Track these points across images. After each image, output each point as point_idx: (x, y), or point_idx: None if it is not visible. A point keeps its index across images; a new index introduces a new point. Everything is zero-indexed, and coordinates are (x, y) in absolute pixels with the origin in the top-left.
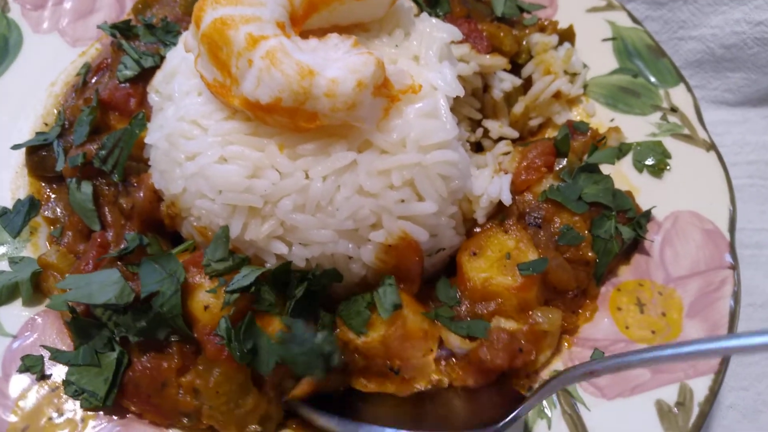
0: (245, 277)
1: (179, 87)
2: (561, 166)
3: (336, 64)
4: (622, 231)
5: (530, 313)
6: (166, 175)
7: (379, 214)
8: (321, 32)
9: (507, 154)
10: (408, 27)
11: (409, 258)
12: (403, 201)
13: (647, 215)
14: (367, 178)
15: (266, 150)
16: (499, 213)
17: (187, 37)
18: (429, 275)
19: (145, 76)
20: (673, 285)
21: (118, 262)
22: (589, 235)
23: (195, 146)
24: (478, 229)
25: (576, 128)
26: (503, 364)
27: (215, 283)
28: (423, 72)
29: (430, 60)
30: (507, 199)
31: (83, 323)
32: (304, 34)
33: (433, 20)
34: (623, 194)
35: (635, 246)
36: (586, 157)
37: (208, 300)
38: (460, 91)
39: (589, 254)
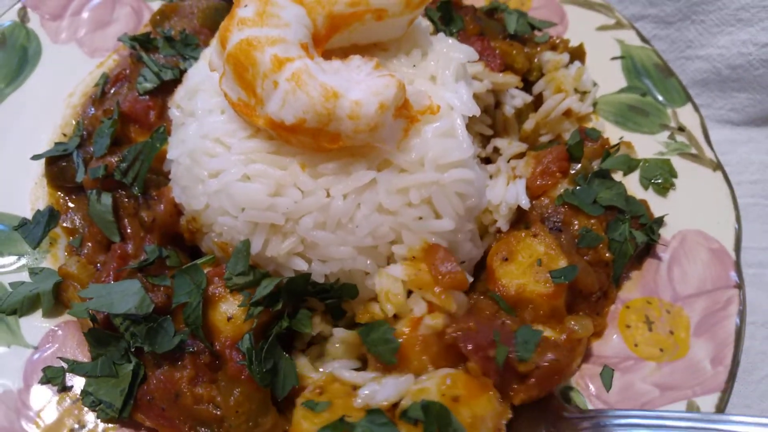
0: (266, 287)
1: (202, 104)
2: (574, 170)
3: (359, 87)
4: (636, 235)
5: (564, 320)
6: (188, 191)
7: (398, 231)
8: (341, 52)
9: (518, 157)
10: (425, 47)
11: (436, 255)
12: (421, 218)
13: (660, 221)
14: (386, 197)
15: (289, 168)
16: (520, 219)
17: (211, 56)
18: None
19: (164, 88)
20: (681, 303)
21: (138, 274)
22: (606, 236)
23: (218, 164)
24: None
25: (587, 135)
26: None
27: (236, 296)
28: (440, 92)
29: (447, 80)
30: (525, 203)
31: (101, 334)
32: (326, 54)
33: (450, 41)
34: (636, 200)
35: (648, 251)
36: (599, 163)
37: (232, 311)
38: (476, 111)
39: (607, 255)
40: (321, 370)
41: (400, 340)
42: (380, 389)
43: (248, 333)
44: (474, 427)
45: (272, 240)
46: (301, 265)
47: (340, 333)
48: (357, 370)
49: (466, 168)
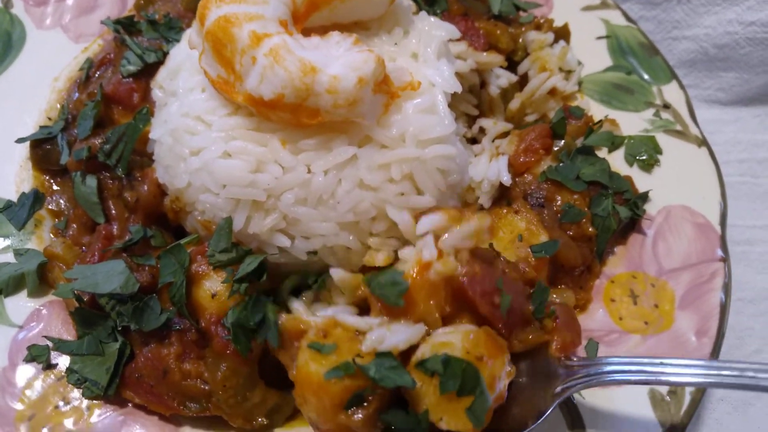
0: (250, 264)
1: (183, 83)
2: (558, 147)
3: (338, 62)
4: (620, 210)
5: None
6: (171, 170)
7: (380, 206)
8: (322, 30)
9: (503, 136)
10: (407, 25)
11: None
12: (402, 194)
13: (644, 197)
14: (367, 172)
15: (269, 145)
16: (502, 196)
17: (191, 34)
18: None
19: (148, 71)
20: (666, 277)
21: (123, 254)
22: (589, 212)
23: (199, 141)
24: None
25: (571, 113)
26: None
27: (220, 273)
28: (421, 69)
29: (429, 57)
30: (507, 179)
31: (87, 313)
32: (306, 32)
33: (432, 19)
34: (620, 176)
35: (633, 226)
36: (582, 140)
37: (215, 288)
38: (457, 88)
39: (590, 230)
40: (319, 314)
41: (408, 282)
42: (389, 335)
43: (232, 309)
44: (491, 387)
45: (254, 217)
46: (284, 242)
47: (338, 274)
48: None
49: (447, 144)
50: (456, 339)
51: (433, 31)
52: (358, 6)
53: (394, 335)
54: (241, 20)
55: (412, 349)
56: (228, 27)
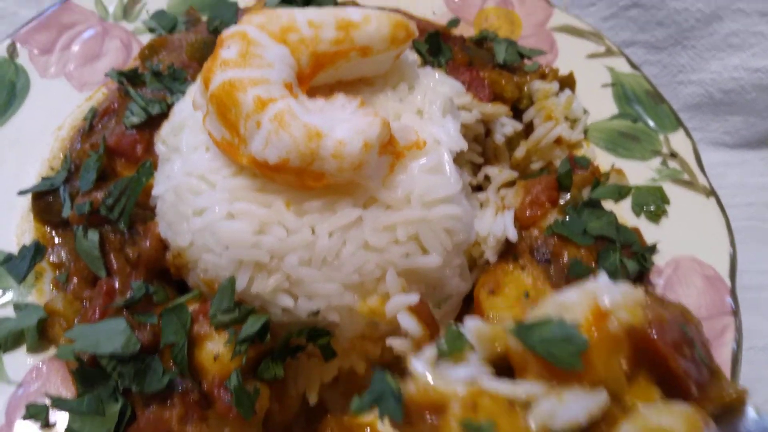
0: (252, 325)
1: (187, 141)
2: (564, 200)
3: (343, 126)
4: (627, 264)
5: None
6: (173, 227)
7: (385, 267)
8: (327, 88)
9: (508, 185)
10: (412, 80)
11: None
12: (408, 255)
13: (652, 249)
14: (372, 234)
15: (273, 206)
16: (508, 251)
17: (195, 95)
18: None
19: (151, 122)
20: None
21: (125, 312)
22: (596, 267)
23: (202, 202)
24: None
25: (577, 162)
26: None
27: (222, 333)
28: (427, 126)
29: (434, 114)
30: (513, 235)
31: (88, 373)
32: (311, 91)
33: (437, 74)
34: (627, 229)
35: (641, 279)
36: (589, 192)
37: (218, 350)
38: (463, 145)
39: None
40: (448, 377)
41: (586, 338)
42: (561, 407)
43: (235, 371)
44: None
45: (257, 277)
46: (288, 302)
47: (474, 324)
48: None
49: (453, 204)
50: (676, 425)
51: (438, 87)
52: (362, 64)
53: (568, 407)
54: (246, 85)
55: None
56: (233, 92)
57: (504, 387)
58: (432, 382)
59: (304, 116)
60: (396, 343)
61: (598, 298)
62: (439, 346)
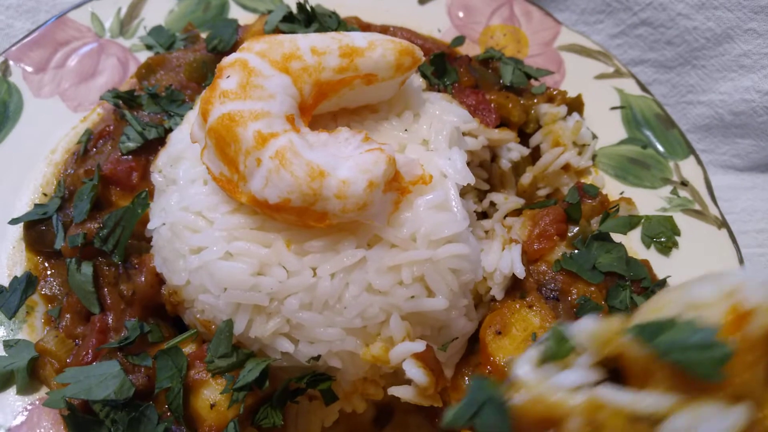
0: (251, 371)
1: (184, 174)
2: (573, 233)
3: (347, 163)
4: (638, 301)
5: None
6: (169, 264)
7: (389, 311)
8: (329, 116)
9: (514, 213)
10: (417, 108)
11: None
12: (413, 297)
13: (662, 284)
14: (376, 276)
15: (273, 246)
16: (515, 286)
17: (193, 128)
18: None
19: (148, 147)
20: None
21: (119, 353)
22: (606, 305)
23: (200, 240)
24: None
25: (585, 191)
26: None
27: (219, 380)
28: (433, 158)
29: (440, 145)
30: (520, 272)
31: (80, 419)
32: (313, 120)
33: (443, 102)
34: (638, 262)
35: None
36: (598, 223)
37: (214, 398)
38: (470, 179)
39: None
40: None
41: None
42: (700, 425)
43: (233, 421)
44: None
45: (256, 320)
46: (287, 347)
47: (590, 324)
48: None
49: (460, 243)
50: None
51: (445, 116)
52: (367, 91)
53: (708, 425)
54: (246, 119)
55: None
56: (232, 126)
57: (628, 398)
58: (542, 390)
59: (306, 153)
60: (400, 392)
61: (740, 295)
62: (545, 348)
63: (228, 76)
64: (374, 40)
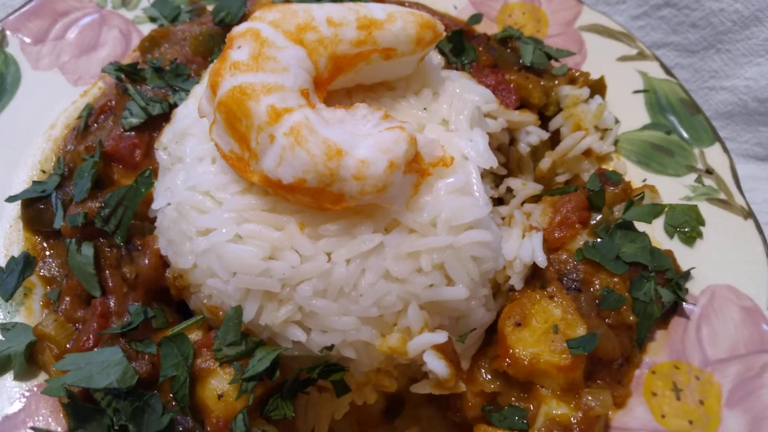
0: (261, 361)
1: (191, 151)
2: (595, 221)
3: (365, 142)
4: (662, 294)
5: (580, 395)
6: (175, 246)
7: (407, 300)
8: (344, 92)
9: (532, 200)
10: (436, 86)
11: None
12: (432, 286)
13: (686, 276)
14: (394, 262)
15: (285, 229)
16: (535, 276)
17: (201, 102)
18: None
19: (152, 123)
20: (711, 369)
21: (121, 339)
22: (629, 297)
23: (208, 221)
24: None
25: (607, 178)
26: None
27: (227, 369)
28: (453, 139)
29: (461, 126)
30: (542, 261)
31: (81, 408)
32: (328, 96)
33: (463, 80)
34: (661, 253)
35: (675, 308)
36: (621, 212)
37: (222, 388)
38: (493, 162)
39: (630, 318)
40: None
41: None
42: None
43: (242, 412)
44: None
45: (267, 307)
46: (299, 335)
47: None
48: None
49: (482, 229)
50: None
51: (465, 95)
52: (384, 67)
53: None
54: (259, 93)
55: None
56: (243, 100)
57: None
58: None
59: (323, 130)
60: (420, 389)
61: None
62: None
63: (239, 47)
64: (394, 11)
